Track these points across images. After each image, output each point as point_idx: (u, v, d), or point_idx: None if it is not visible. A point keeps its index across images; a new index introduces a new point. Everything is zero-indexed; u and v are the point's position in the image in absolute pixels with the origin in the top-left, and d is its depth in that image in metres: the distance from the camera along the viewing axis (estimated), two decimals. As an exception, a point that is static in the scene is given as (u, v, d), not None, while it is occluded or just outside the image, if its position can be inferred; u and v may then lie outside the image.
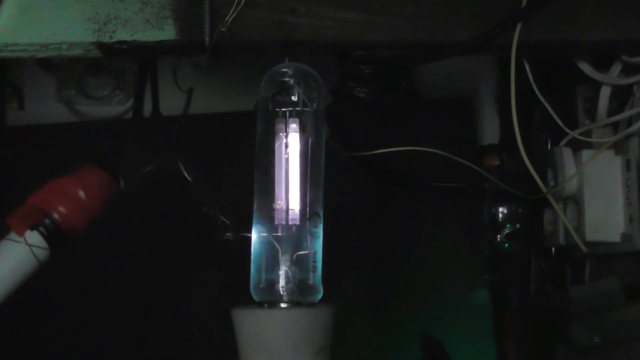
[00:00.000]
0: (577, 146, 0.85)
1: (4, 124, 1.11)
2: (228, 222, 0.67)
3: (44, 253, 0.58)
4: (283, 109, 0.64)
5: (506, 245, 0.91)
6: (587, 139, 0.84)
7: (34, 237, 0.57)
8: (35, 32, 0.69)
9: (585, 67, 0.81)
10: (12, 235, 0.57)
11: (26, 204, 0.58)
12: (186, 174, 0.65)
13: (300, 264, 0.61)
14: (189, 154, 0.93)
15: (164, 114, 1.06)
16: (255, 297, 0.62)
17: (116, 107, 1.12)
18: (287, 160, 0.63)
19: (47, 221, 0.58)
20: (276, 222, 0.63)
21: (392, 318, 0.89)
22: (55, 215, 0.58)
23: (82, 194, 0.59)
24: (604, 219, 0.82)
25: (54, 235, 0.58)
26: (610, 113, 0.83)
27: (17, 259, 0.57)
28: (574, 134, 0.84)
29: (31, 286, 0.88)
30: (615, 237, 0.82)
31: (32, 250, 0.57)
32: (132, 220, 0.91)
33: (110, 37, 0.69)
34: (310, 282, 0.62)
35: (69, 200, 0.58)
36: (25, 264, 0.58)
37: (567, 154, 0.84)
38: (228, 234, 0.68)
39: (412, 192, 0.93)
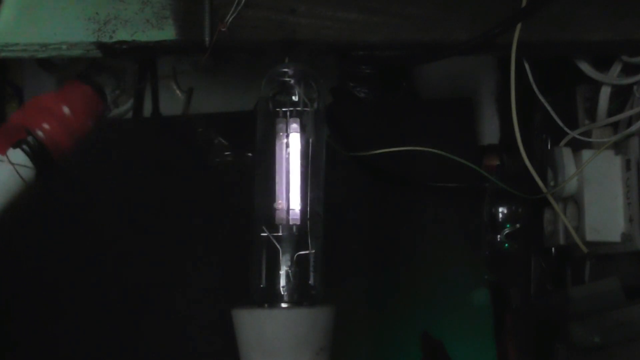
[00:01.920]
0: (577, 146, 0.84)
1: (4, 124, 1.11)
2: (226, 142, 0.65)
3: (29, 172, 0.56)
4: (283, 109, 0.64)
5: (506, 245, 0.91)
6: (587, 139, 0.84)
7: (17, 156, 0.55)
8: (35, 32, 0.69)
9: (585, 67, 0.81)
10: None
11: (8, 122, 0.56)
12: (179, 92, 0.63)
13: (300, 264, 0.61)
14: (188, 154, 0.93)
15: (164, 114, 1.06)
16: (255, 297, 0.62)
17: (116, 107, 1.12)
18: (287, 160, 0.63)
19: (30, 139, 0.55)
20: (277, 222, 0.63)
21: (392, 318, 0.89)
22: (39, 133, 0.55)
23: (66, 110, 0.57)
24: (604, 219, 0.82)
25: (38, 154, 0.55)
26: (610, 113, 0.83)
27: (1, 179, 0.55)
28: (574, 134, 0.84)
29: (31, 286, 0.88)
30: (615, 237, 0.82)
31: (15, 169, 0.55)
32: (131, 219, 0.91)
33: (110, 37, 0.69)
34: (311, 282, 0.62)
35: (53, 117, 0.56)
36: (10, 183, 0.55)
37: (567, 154, 0.84)
38: (227, 153, 0.66)
39: (412, 192, 0.93)
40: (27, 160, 0.56)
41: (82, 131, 0.58)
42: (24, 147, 0.55)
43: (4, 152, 0.55)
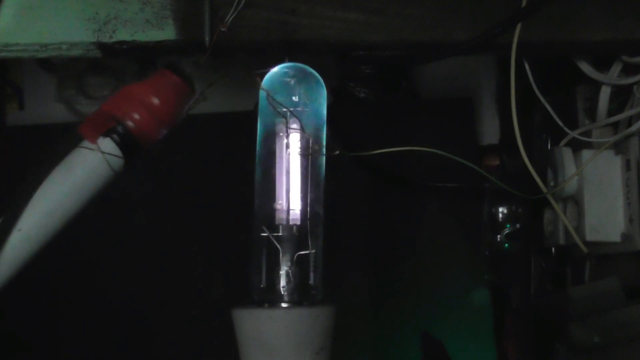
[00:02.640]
0: (577, 146, 0.84)
1: (4, 124, 1.11)
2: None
3: (118, 162, 0.55)
4: (284, 109, 0.64)
5: (506, 245, 0.91)
6: (587, 139, 0.84)
7: (107, 145, 0.55)
8: (35, 32, 0.69)
9: (585, 67, 0.81)
10: (85, 143, 0.55)
11: (98, 111, 0.56)
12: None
13: (300, 264, 0.61)
14: (188, 154, 0.93)
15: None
16: (255, 297, 0.62)
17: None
18: (287, 160, 0.64)
19: (119, 128, 0.55)
20: (277, 222, 0.63)
21: (392, 318, 0.89)
22: (129, 122, 0.55)
23: (156, 100, 0.56)
24: (604, 219, 0.82)
25: (127, 143, 0.55)
26: (610, 113, 0.83)
27: (91, 168, 0.55)
28: (574, 134, 0.84)
29: (30, 286, 0.88)
30: (615, 237, 0.82)
31: (105, 159, 0.54)
32: (132, 220, 0.91)
33: (110, 37, 0.69)
34: (311, 282, 0.62)
35: (143, 107, 0.56)
36: (99, 173, 0.55)
37: (567, 154, 0.84)
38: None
39: (412, 192, 0.93)
40: (116, 150, 0.55)
41: (171, 122, 0.58)
42: (114, 136, 0.55)
43: (94, 141, 0.55)
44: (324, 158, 0.65)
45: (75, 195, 0.55)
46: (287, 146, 0.64)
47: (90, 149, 0.55)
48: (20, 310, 0.87)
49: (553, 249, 0.92)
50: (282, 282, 0.61)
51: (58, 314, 0.89)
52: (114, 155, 0.55)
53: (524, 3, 0.72)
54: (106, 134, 0.55)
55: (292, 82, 0.65)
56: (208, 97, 1.09)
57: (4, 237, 0.52)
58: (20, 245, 0.54)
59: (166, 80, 0.58)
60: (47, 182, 0.54)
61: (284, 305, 0.61)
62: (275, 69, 0.66)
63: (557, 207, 0.85)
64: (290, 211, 0.63)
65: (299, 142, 0.64)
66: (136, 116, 0.55)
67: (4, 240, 0.52)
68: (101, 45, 0.69)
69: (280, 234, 0.62)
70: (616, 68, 0.80)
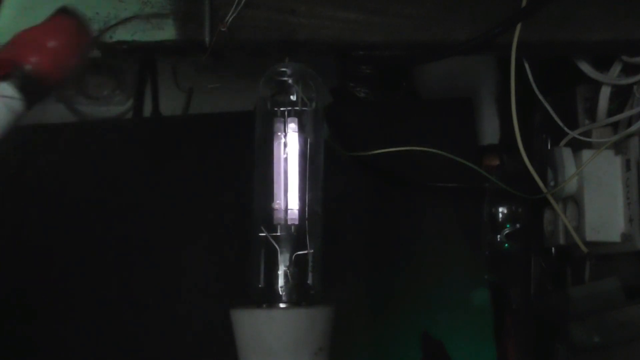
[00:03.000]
0: (577, 146, 0.84)
1: (4, 124, 1.11)
2: None
3: (19, 104, 0.57)
4: (282, 109, 0.64)
5: (506, 245, 0.91)
6: (587, 139, 0.84)
7: (6, 89, 0.57)
8: (35, 32, 0.69)
9: (585, 67, 0.81)
10: None
11: None
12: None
13: (299, 264, 0.61)
14: (188, 154, 0.93)
15: (164, 114, 1.06)
16: (254, 297, 0.62)
17: (116, 107, 1.12)
18: (286, 160, 0.64)
19: (17, 72, 0.57)
20: (275, 222, 0.63)
21: (392, 318, 0.89)
22: (27, 67, 0.57)
23: (52, 43, 0.58)
24: (604, 219, 0.82)
25: (27, 86, 0.57)
26: (610, 113, 0.83)
27: None
28: (574, 134, 0.84)
29: (29, 285, 0.88)
30: (615, 237, 0.82)
31: (4, 102, 0.56)
32: (130, 219, 0.91)
33: (110, 37, 0.69)
34: (309, 282, 0.62)
35: (40, 50, 0.57)
36: (1, 115, 0.57)
37: (567, 154, 0.84)
38: None
39: (412, 192, 0.93)
40: (16, 93, 0.57)
41: (70, 63, 0.59)
42: (13, 80, 0.57)
43: None
44: (323, 158, 0.65)
45: None
46: (285, 145, 0.64)
47: None
48: (16, 309, 0.87)
49: (553, 249, 0.92)
50: (281, 282, 0.61)
51: (56, 313, 0.89)
52: (14, 97, 0.57)
53: (524, 3, 0.72)
54: (4, 77, 0.57)
55: (290, 81, 0.65)
56: (208, 97, 1.10)
57: None
58: None
59: (61, 23, 0.60)
60: None
61: (282, 305, 0.61)
62: (274, 69, 0.66)
63: (557, 207, 0.85)
64: (289, 211, 0.63)
65: (298, 142, 0.64)
66: (33, 59, 0.57)
67: None
68: (101, 45, 0.69)
69: (278, 233, 0.62)
70: (616, 68, 0.80)
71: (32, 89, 0.57)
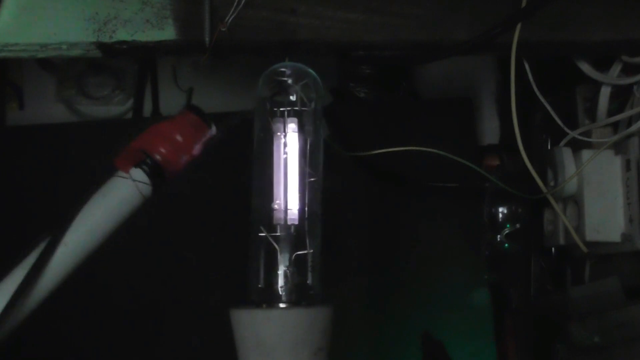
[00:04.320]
0: (577, 146, 0.84)
1: (4, 124, 1.11)
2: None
3: (147, 188, 0.65)
4: (281, 109, 0.64)
5: (506, 245, 0.91)
6: (587, 139, 0.84)
7: (138, 174, 0.65)
8: (35, 32, 0.69)
9: (585, 67, 0.81)
10: (119, 173, 0.65)
11: (129, 146, 0.66)
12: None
13: (298, 264, 0.61)
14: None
15: (164, 114, 1.06)
16: (253, 297, 0.62)
17: (116, 107, 1.12)
18: (285, 160, 0.63)
19: (148, 160, 0.65)
20: (275, 222, 0.63)
21: (392, 318, 0.89)
22: (156, 155, 0.65)
23: (179, 137, 0.66)
24: (604, 219, 0.82)
25: (155, 172, 0.65)
26: (610, 113, 0.83)
27: (124, 194, 0.65)
28: (574, 134, 0.84)
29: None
30: (615, 237, 0.82)
31: (137, 185, 0.64)
32: (131, 219, 0.91)
33: (110, 37, 0.69)
34: (309, 282, 0.62)
35: (168, 142, 0.65)
36: (131, 198, 0.65)
37: (567, 154, 0.84)
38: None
39: (412, 192, 0.93)
40: (145, 178, 0.65)
41: (191, 154, 0.67)
42: (144, 167, 0.65)
43: (127, 171, 0.64)
44: (322, 158, 0.65)
45: (111, 216, 0.65)
46: (285, 145, 0.64)
47: (124, 178, 0.65)
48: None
49: (553, 249, 0.93)
50: (280, 282, 0.61)
51: (56, 316, 0.89)
52: (144, 182, 0.65)
53: (524, 3, 0.71)
54: (137, 165, 0.65)
55: (290, 81, 0.65)
56: (208, 97, 1.10)
57: (53, 249, 0.62)
58: (65, 258, 0.63)
59: (187, 120, 0.67)
60: (87, 205, 0.64)
61: (282, 305, 0.60)
62: (274, 69, 0.66)
63: (557, 207, 0.85)
64: (288, 211, 0.63)
65: (297, 142, 0.64)
66: (162, 150, 0.65)
67: (53, 251, 0.62)
68: (101, 45, 0.69)
69: (278, 233, 0.62)
70: (616, 68, 0.80)
71: (158, 176, 0.65)
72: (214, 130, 0.69)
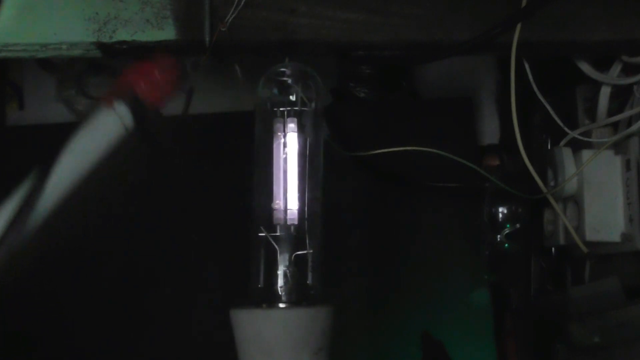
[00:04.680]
0: (577, 146, 0.84)
1: (4, 124, 1.11)
2: None
3: (130, 122, 0.68)
4: (281, 109, 0.64)
5: (506, 245, 0.91)
6: (587, 139, 0.84)
7: (120, 107, 0.68)
8: (35, 32, 0.69)
9: (585, 67, 0.81)
10: (103, 106, 0.68)
11: (114, 85, 0.70)
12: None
13: (298, 264, 0.61)
14: (188, 154, 0.93)
15: (164, 114, 1.06)
16: (253, 297, 0.62)
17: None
18: (285, 160, 0.64)
19: (130, 94, 0.68)
20: (275, 222, 0.63)
21: (392, 318, 0.89)
22: (137, 90, 0.68)
23: (158, 74, 0.70)
24: (604, 219, 0.82)
25: (136, 107, 0.68)
26: (610, 113, 0.83)
27: (108, 126, 0.68)
28: (574, 134, 0.84)
29: (30, 289, 0.88)
30: (615, 237, 0.82)
31: (120, 117, 0.68)
32: (130, 219, 0.91)
33: (110, 37, 0.69)
34: (309, 282, 0.62)
35: (147, 78, 0.69)
36: (115, 130, 0.68)
37: (567, 154, 0.84)
38: None
39: (412, 192, 0.93)
40: (128, 113, 0.68)
41: (169, 92, 0.71)
42: (126, 100, 0.68)
43: (111, 105, 0.68)
44: (322, 157, 0.65)
45: (95, 147, 0.68)
46: (285, 145, 0.64)
47: (108, 111, 0.68)
48: (17, 310, 0.88)
49: (553, 249, 0.92)
50: (280, 282, 0.61)
51: (56, 314, 0.89)
52: (127, 116, 0.68)
53: (524, 3, 0.71)
54: (119, 99, 0.68)
55: (290, 81, 0.65)
56: (208, 97, 1.10)
57: (42, 181, 0.64)
58: (54, 189, 0.65)
59: (165, 59, 0.70)
60: (74, 136, 0.67)
61: (282, 305, 0.61)
62: (274, 69, 0.66)
63: (557, 207, 0.85)
64: (288, 211, 0.63)
65: (297, 142, 0.64)
66: (142, 85, 0.69)
67: (43, 183, 0.64)
68: (101, 45, 0.69)
69: (278, 234, 0.62)
70: (616, 68, 0.80)
71: (139, 113, 0.68)
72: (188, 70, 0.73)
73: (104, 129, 0.68)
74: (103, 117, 0.68)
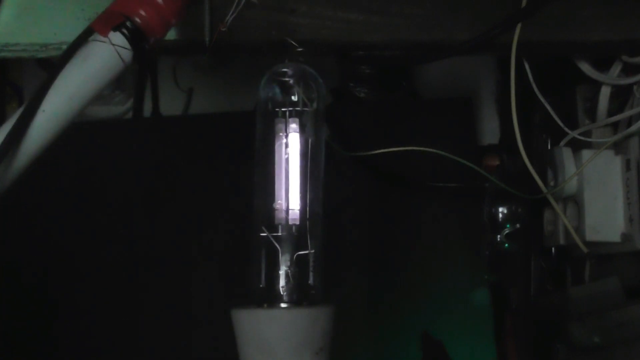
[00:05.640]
0: (577, 146, 0.85)
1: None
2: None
3: (127, 53, 0.60)
4: (283, 109, 0.64)
5: (506, 245, 0.91)
6: (587, 139, 0.84)
7: (117, 38, 0.60)
8: (35, 32, 0.69)
9: (585, 67, 0.81)
10: (96, 36, 0.60)
11: (108, 10, 0.61)
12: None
13: (300, 264, 0.61)
14: (188, 154, 0.93)
15: (164, 114, 1.06)
16: (254, 297, 0.62)
17: (116, 107, 1.12)
18: (287, 160, 0.63)
19: (128, 23, 0.60)
20: (276, 222, 0.63)
21: (392, 318, 0.89)
22: (136, 19, 0.60)
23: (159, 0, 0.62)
24: (604, 219, 0.82)
25: (135, 36, 0.60)
26: (610, 113, 0.83)
27: (103, 59, 0.60)
28: (574, 134, 0.84)
29: (31, 287, 0.88)
30: (615, 237, 0.82)
31: (116, 50, 0.60)
32: (130, 219, 0.91)
33: (110, 37, 0.69)
34: (310, 282, 0.62)
35: (149, 5, 0.61)
36: (112, 63, 0.60)
37: (567, 154, 0.84)
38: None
39: (412, 192, 0.93)
40: (125, 43, 0.60)
41: (173, 20, 0.63)
42: (124, 30, 0.60)
43: (106, 34, 0.60)
44: (324, 158, 0.65)
45: (90, 82, 0.60)
46: (287, 146, 0.64)
47: (102, 42, 0.60)
48: (18, 309, 0.88)
49: (553, 249, 0.92)
50: (282, 282, 0.61)
51: (55, 314, 0.89)
52: (124, 47, 0.60)
53: (524, 3, 0.72)
54: (116, 28, 0.60)
55: (291, 81, 0.65)
56: (208, 97, 1.10)
57: (30, 116, 0.57)
58: (44, 125, 0.58)
59: None
60: (65, 70, 0.59)
61: (283, 305, 0.60)
62: (275, 70, 0.66)
63: (557, 207, 0.85)
64: (290, 211, 0.63)
65: (299, 142, 0.64)
66: (142, 13, 0.61)
67: (30, 118, 0.57)
68: (101, 46, 0.69)
69: (279, 234, 0.62)
70: (616, 68, 0.80)
71: (140, 41, 0.60)
72: None
73: (98, 64, 0.60)
74: (96, 49, 0.60)
